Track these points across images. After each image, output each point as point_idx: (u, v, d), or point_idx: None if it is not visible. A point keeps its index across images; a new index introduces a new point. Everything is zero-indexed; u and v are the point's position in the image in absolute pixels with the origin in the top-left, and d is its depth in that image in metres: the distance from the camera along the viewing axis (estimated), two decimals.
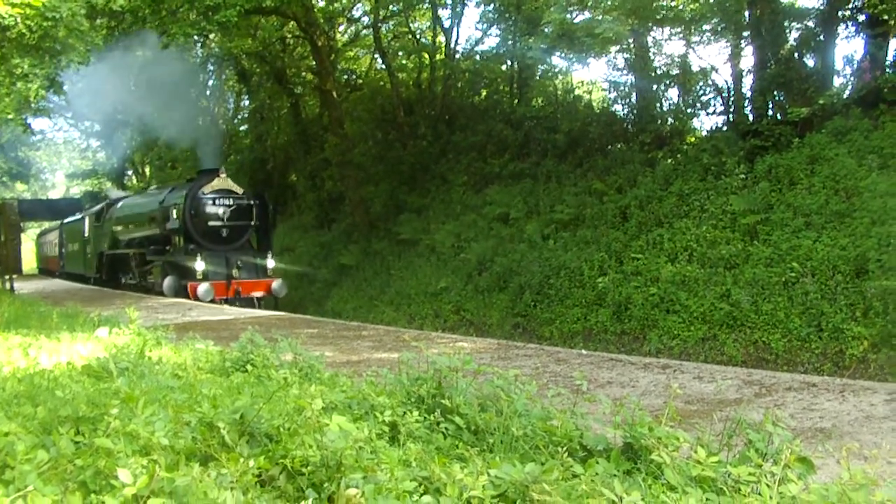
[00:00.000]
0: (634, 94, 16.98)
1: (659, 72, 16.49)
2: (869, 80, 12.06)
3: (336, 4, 23.00)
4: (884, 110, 11.30)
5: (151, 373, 4.34)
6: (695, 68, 16.14)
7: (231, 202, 16.44)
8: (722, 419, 3.40)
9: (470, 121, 20.21)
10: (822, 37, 13.36)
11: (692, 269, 10.96)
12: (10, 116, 9.89)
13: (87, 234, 24.29)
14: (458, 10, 21.94)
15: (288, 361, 4.86)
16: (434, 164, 20.13)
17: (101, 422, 2.38)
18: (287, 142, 27.55)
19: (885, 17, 11.32)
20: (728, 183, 12.15)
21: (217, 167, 16.94)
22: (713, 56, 41.92)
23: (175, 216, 16.29)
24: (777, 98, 13.55)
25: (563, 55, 17.98)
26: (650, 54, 16.65)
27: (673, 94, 16.69)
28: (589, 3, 14.41)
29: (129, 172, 41.59)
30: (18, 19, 8.84)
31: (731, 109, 15.04)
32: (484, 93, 22.06)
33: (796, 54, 13.59)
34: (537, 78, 20.68)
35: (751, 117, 13.94)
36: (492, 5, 20.57)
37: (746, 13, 14.04)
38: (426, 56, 23.05)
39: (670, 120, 16.03)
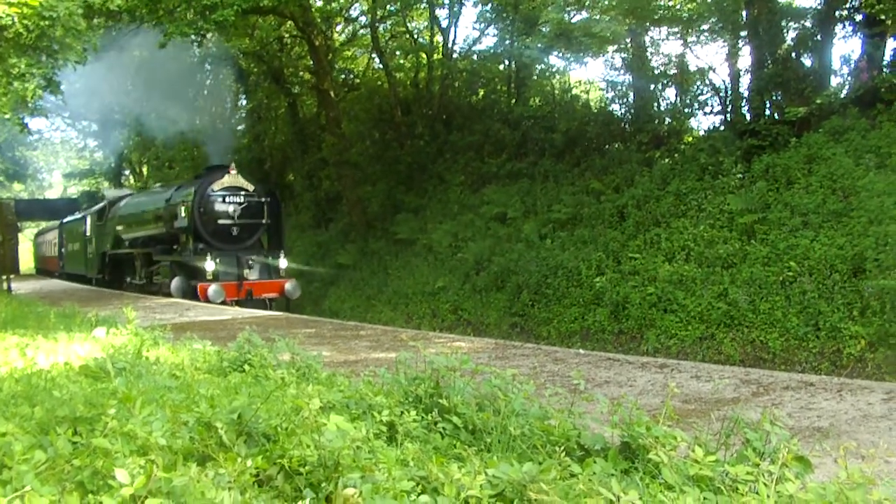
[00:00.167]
0: (632, 94, 16.98)
1: (656, 71, 16.50)
2: (866, 79, 12.08)
3: (333, 4, 22.95)
4: (881, 110, 11.34)
5: (149, 373, 4.34)
6: (692, 68, 16.18)
7: (242, 199, 15.84)
8: (719, 418, 3.41)
9: (467, 120, 20.20)
10: (819, 36, 13.39)
11: (689, 269, 10.97)
12: (6, 116, 9.85)
13: (88, 234, 23.73)
14: (455, 9, 21.97)
15: (285, 361, 4.85)
16: (431, 164, 20.13)
17: (98, 422, 2.37)
18: (284, 141, 27.52)
19: (883, 17, 11.35)
20: (725, 182, 12.17)
21: (226, 163, 16.36)
22: (710, 56, 42.12)
23: (183, 214, 15.75)
24: (774, 98, 13.57)
25: (560, 55, 18.01)
26: (647, 54, 16.66)
27: (670, 93, 16.76)
28: (586, 3, 14.44)
29: (126, 172, 41.55)
30: (15, 18, 8.82)
31: (729, 109, 15.06)
32: (481, 92, 22.03)
33: (793, 54, 13.62)
34: (535, 77, 20.68)
35: (748, 117, 13.96)
36: (489, 5, 20.58)
37: (744, 13, 14.06)
38: (423, 56, 23.06)
39: (668, 119, 16.05)
